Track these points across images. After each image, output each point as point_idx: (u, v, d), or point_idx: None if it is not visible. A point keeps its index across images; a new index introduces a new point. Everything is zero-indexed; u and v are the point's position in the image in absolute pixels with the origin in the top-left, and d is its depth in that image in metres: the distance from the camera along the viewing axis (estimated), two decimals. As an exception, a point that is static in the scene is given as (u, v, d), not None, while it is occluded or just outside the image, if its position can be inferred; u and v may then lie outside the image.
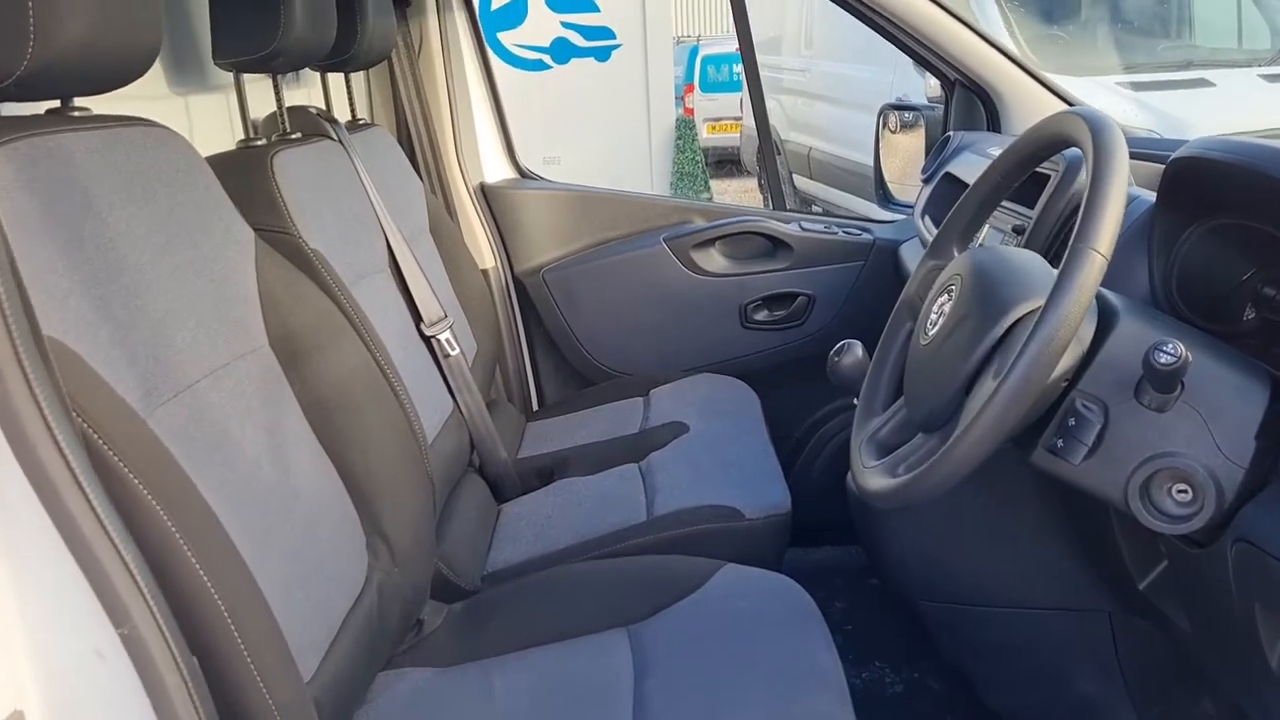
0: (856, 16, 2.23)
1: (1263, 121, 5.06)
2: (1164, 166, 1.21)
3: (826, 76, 7.39)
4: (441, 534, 1.64)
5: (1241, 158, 1.11)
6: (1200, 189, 1.18)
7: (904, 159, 2.68)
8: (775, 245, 2.36)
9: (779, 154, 8.54)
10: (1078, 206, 1.40)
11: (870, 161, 6.77)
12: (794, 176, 8.27)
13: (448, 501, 1.75)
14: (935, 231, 2.03)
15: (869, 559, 1.84)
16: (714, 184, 8.92)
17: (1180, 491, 0.97)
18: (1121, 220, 0.92)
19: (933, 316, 1.11)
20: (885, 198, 2.62)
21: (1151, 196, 1.27)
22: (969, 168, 2.02)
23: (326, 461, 1.27)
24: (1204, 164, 1.13)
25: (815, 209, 8.13)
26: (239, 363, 1.18)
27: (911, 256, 2.21)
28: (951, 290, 1.08)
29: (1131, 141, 1.54)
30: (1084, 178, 1.40)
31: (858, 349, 1.41)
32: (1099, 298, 1.03)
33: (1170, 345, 0.88)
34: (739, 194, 9.87)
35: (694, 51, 10.91)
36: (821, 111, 7.43)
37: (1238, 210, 1.16)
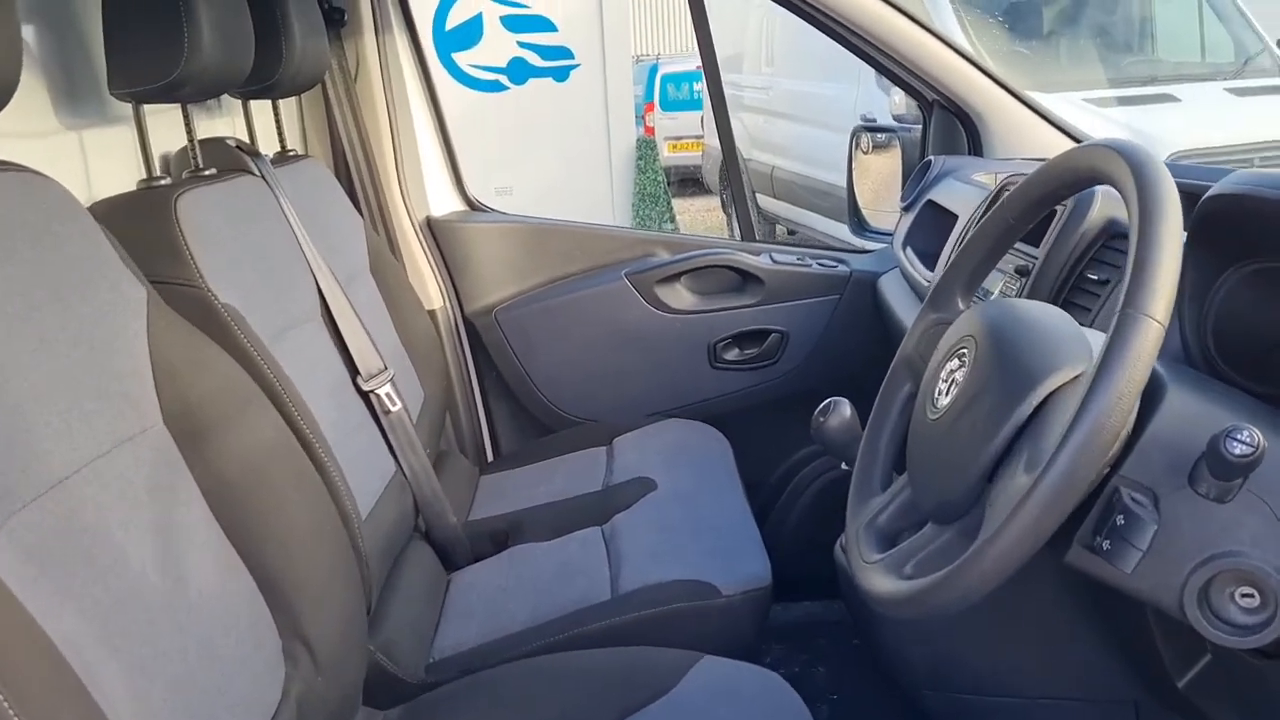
0: (832, 36, 2.08)
1: (1231, 136, 5.00)
2: (1195, 202, 1.06)
3: (789, 94, 7.29)
4: (381, 616, 1.45)
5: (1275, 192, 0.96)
6: (1238, 228, 1.02)
7: (878, 183, 2.54)
8: (745, 279, 2.20)
9: (743, 173, 8.46)
10: (1091, 244, 1.25)
11: (833, 180, 6.69)
12: (757, 195, 8.19)
13: (390, 575, 1.56)
14: (918, 264, 1.88)
15: (864, 645, 1.67)
16: (676, 203, 8.78)
17: (1246, 596, 0.81)
18: (1177, 280, 0.76)
19: (941, 385, 0.94)
20: (859, 225, 2.47)
21: None
22: (953, 195, 1.87)
23: (234, 559, 1.09)
24: (1244, 201, 0.98)
25: (779, 228, 8.04)
26: (124, 449, 0.99)
27: (892, 289, 2.06)
28: (964, 355, 0.92)
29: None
30: (1095, 214, 1.26)
31: (845, 409, 1.25)
32: None
33: (1245, 433, 0.72)
34: (702, 213, 9.76)
35: (653, 70, 10.82)
36: (784, 130, 7.33)
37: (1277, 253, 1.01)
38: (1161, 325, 0.74)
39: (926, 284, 1.73)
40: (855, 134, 2.50)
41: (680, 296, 2.20)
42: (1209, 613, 0.81)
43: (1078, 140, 2.07)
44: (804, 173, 6.80)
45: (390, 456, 1.68)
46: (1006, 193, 1.44)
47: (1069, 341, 0.87)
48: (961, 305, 1.08)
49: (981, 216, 1.48)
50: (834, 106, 6.80)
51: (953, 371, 0.93)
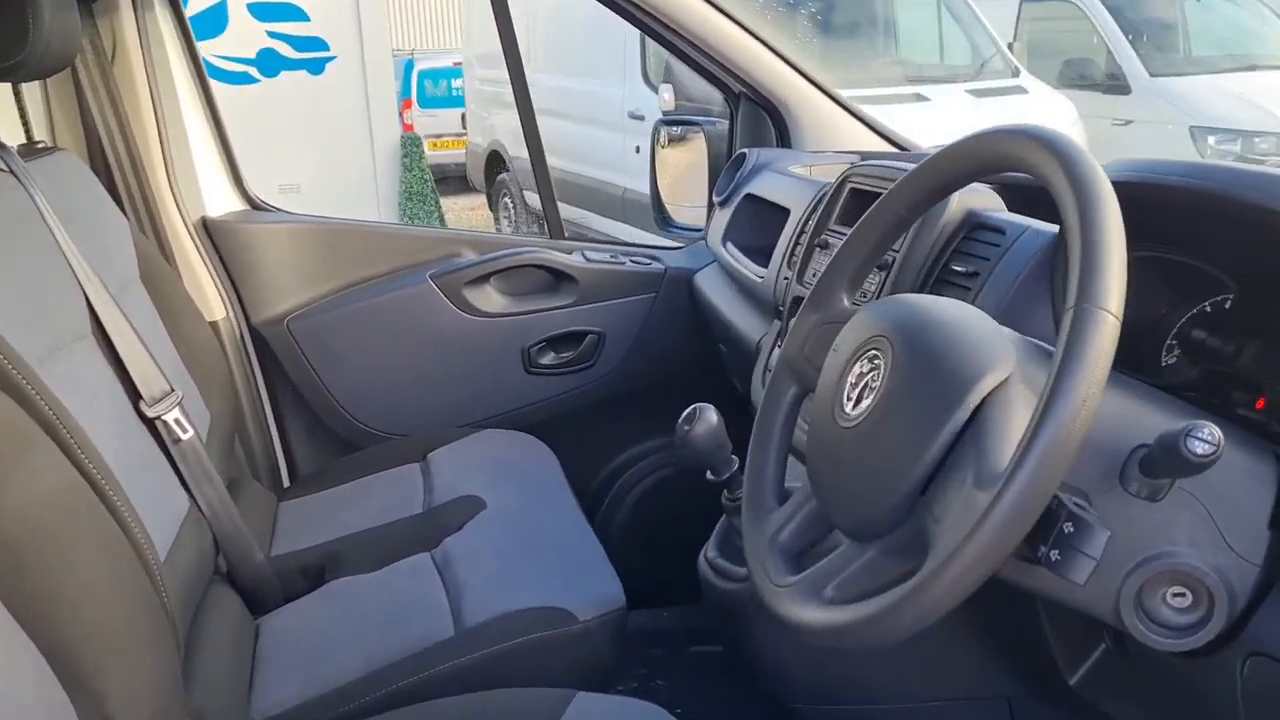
0: (638, 26, 2.02)
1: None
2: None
3: (553, 91, 7.22)
4: (189, 678, 1.25)
5: (1171, 179, 0.96)
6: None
7: (682, 177, 2.49)
8: (558, 279, 2.10)
9: (507, 170, 8.32)
10: (952, 237, 1.23)
11: (606, 177, 6.67)
12: (524, 193, 8.09)
13: (192, 628, 1.36)
14: (744, 259, 1.84)
15: (734, 658, 1.60)
16: (441, 201, 8.55)
17: (1177, 595, 0.79)
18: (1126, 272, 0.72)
19: (849, 391, 0.88)
20: (664, 220, 2.42)
21: (1046, 228, 1.10)
22: (776, 189, 1.84)
23: (16, 635, 0.89)
24: (1130, 189, 0.97)
25: (543, 225, 7.95)
26: None
27: (711, 285, 2.01)
28: (876, 358, 0.86)
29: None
30: (954, 206, 1.24)
31: (711, 415, 1.17)
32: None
33: (1207, 430, 0.69)
34: (466, 211, 9.57)
35: (409, 65, 10.49)
36: (550, 127, 7.23)
37: (1156, 242, 1.01)
38: (1118, 319, 0.70)
39: (757, 279, 1.69)
40: (657, 128, 2.44)
41: (490, 299, 2.07)
42: (1144, 617, 0.79)
43: (885, 135, 2.09)
44: (575, 170, 6.75)
45: (183, 491, 1.47)
46: (851, 184, 1.42)
47: (992, 340, 0.82)
48: (846, 303, 1.02)
49: (825, 210, 1.44)
50: (599, 103, 6.78)
51: (864, 376, 0.86)
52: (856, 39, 6.74)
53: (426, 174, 7.71)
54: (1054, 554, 0.74)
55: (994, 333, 0.83)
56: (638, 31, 7.15)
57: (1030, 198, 1.23)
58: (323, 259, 2.04)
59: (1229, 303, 0.99)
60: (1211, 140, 6.49)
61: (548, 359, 2.10)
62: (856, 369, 0.87)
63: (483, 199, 9.08)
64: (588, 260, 2.10)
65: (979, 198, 1.21)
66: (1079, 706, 1.08)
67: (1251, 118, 6.53)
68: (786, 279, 1.52)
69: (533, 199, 7.95)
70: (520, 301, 2.09)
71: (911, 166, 1.30)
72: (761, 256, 1.81)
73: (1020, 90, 6.10)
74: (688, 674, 1.97)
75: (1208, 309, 1.01)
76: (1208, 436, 0.68)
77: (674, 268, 2.14)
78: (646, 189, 6.75)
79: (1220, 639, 0.78)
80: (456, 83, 10.24)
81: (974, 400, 0.77)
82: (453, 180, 9.84)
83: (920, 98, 5.66)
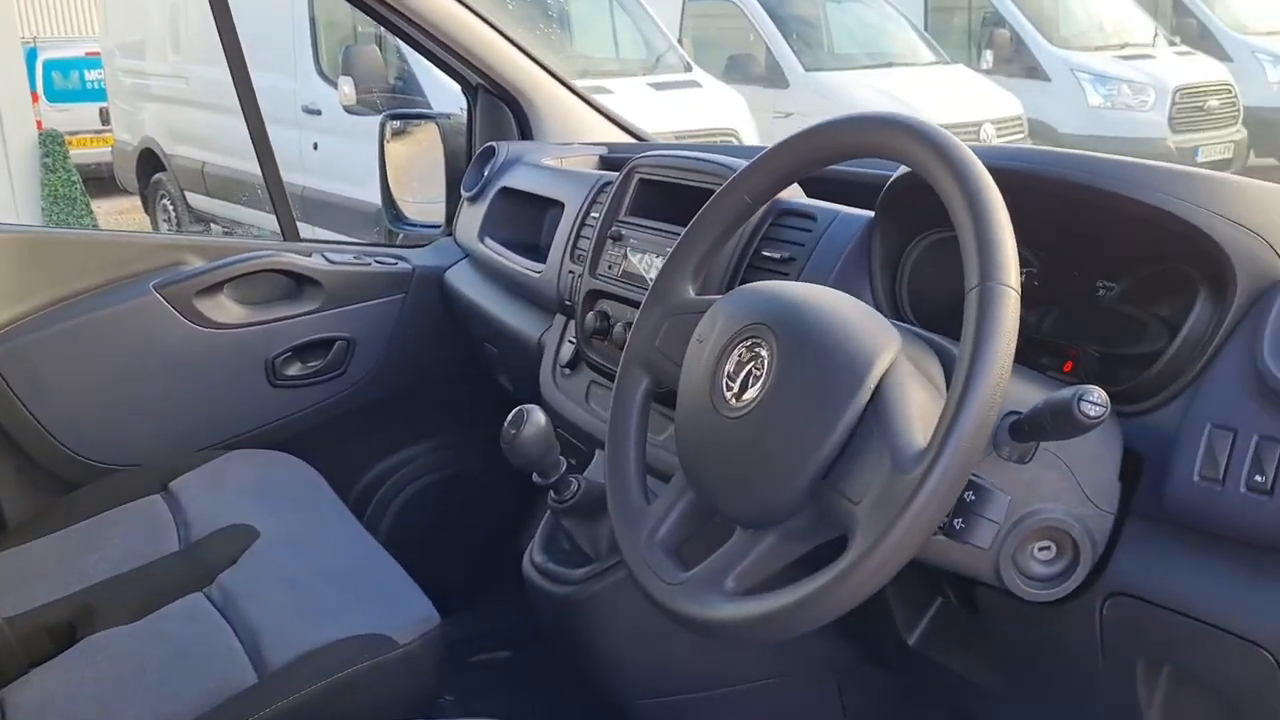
0: (368, 14, 1.92)
1: (658, 126, 5.53)
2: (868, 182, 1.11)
3: (212, 84, 6.74)
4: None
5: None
6: (920, 203, 1.08)
7: (415, 173, 2.40)
8: (300, 283, 1.95)
9: (164, 170, 7.74)
10: (760, 224, 1.26)
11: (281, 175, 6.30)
12: (186, 194, 7.56)
13: None
14: (513, 255, 1.79)
15: (560, 660, 1.55)
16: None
17: (1043, 549, 0.85)
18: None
19: (728, 381, 0.87)
20: (397, 218, 2.32)
21: (856, 213, 1.15)
22: (532, 180, 1.82)
23: None
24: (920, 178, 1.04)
25: (214, 228, 7.46)
26: None
27: (466, 283, 1.96)
28: (757, 346, 0.86)
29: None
30: (803, 204, 1.27)
31: (539, 416, 1.14)
32: (907, 333, 0.88)
33: (1096, 394, 0.74)
34: (116, 215, 8.78)
35: (32, 55, 9.41)
36: (213, 122, 6.77)
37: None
38: (1018, 293, 0.74)
39: (532, 275, 1.65)
40: (384, 122, 2.33)
41: (226, 309, 1.90)
42: (1018, 572, 0.84)
43: (624, 127, 2.11)
44: (241, 168, 6.36)
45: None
46: (639, 175, 1.42)
47: (872, 321, 0.85)
48: (692, 293, 1.01)
49: (613, 202, 1.43)
50: (269, 97, 6.41)
51: (744, 364, 0.86)
52: (533, 33, 6.80)
53: (73, 175, 6.99)
54: (958, 522, 0.77)
55: (872, 316, 0.86)
56: (307, 22, 6.79)
57: (820, 185, 1.28)
58: (22, 272, 1.78)
59: (1032, 277, 1.08)
60: (860, 131, 7.07)
61: (294, 370, 1.96)
62: (734, 358, 0.87)
63: (136, 201, 8.37)
64: (330, 262, 1.98)
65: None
66: (914, 666, 1.15)
67: (891, 109, 7.18)
68: (573, 273, 1.50)
69: (196, 200, 7.42)
70: (259, 310, 1.93)
71: (703, 155, 1.33)
72: (529, 251, 1.78)
73: (695, 84, 6.40)
74: (523, 684, 1.92)
75: None
76: (1098, 400, 0.74)
77: (422, 266, 2.06)
78: (327, 187, 6.48)
79: (1082, 585, 0.86)
80: (91, 74, 9.38)
81: (871, 382, 0.79)
82: (94, 183, 8.98)
83: (603, 90, 5.79)
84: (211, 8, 1.97)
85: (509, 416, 1.15)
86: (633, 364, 1.02)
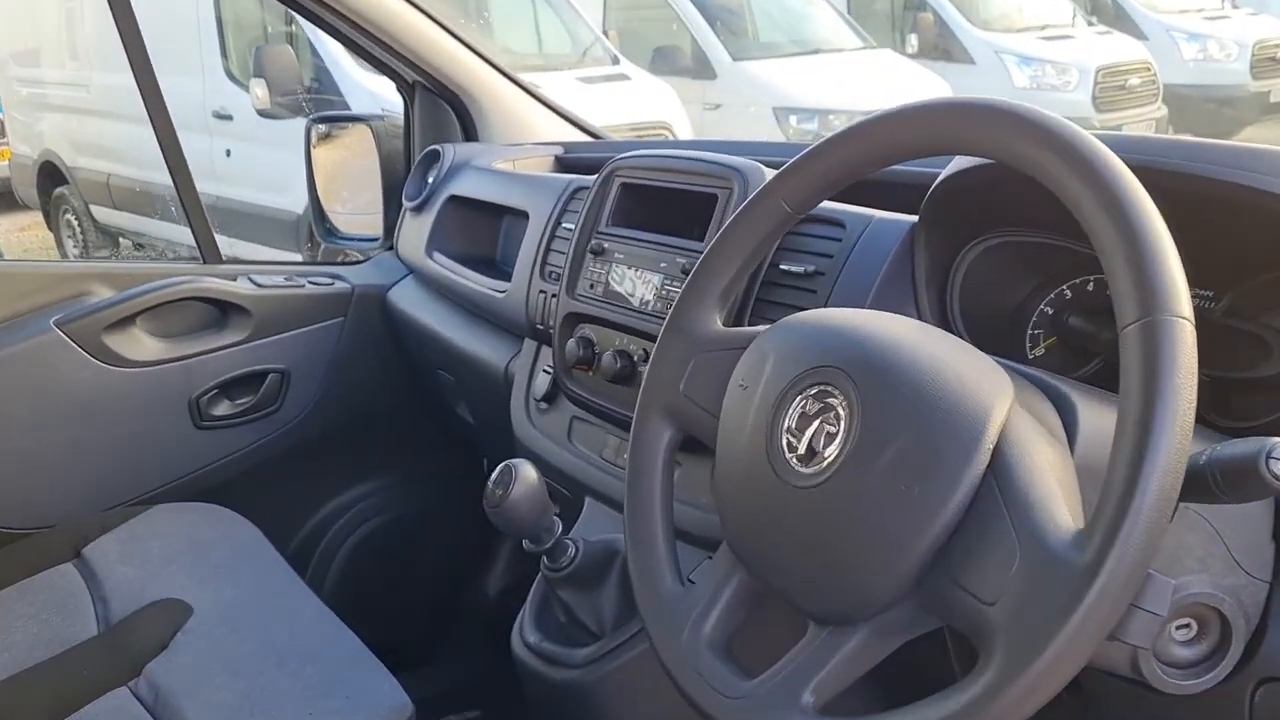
0: (295, 9, 1.71)
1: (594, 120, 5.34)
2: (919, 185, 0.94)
3: (113, 91, 6.40)
4: None
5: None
6: (971, 205, 0.92)
7: (346, 181, 2.19)
8: (224, 311, 1.73)
9: (66, 183, 7.40)
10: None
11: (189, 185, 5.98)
12: (92, 208, 7.22)
13: None
14: (468, 272, 1.59)
15: None
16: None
17: (1181, 628, 0.69)
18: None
19: (789, 439, 0.70)
20: (329, 232, 2.10)
21: (892, 217, 0.99)
22: (486, 187, 1.63)
23: None
24: (981, 174, 0.87)
25: (124, 242, 7.13)
26: None
27: (411, 303, 1.76)
28: (828, 395, 0.68)
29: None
30: (828, 207, 1.09)
31: (530, 472, 0.96)
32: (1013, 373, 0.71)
33: None
34: (16, 232, 8.31)
35: (-93, 58, 8.90)
36: (117, 132, 6.43)
37: (1011, 224, 0.92)
38: (1193, 325, 0.57)
39: (493, 295, 1.46)
40: (310, 126, 2.11)
41: (140, 344, 1.67)
42: (1157, 661, 0.68)
43: (578, 124, 1.93)
44: (149, 179, 6.05)
45: None
46: (620, 179, 1.24)
47: (974, 359, 0.68)
48: (718, 325, 0.84)
49: (591, 210, 1.24)
50: (177, 103, 6.11)
51: (811, 417, 0.69)
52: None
53: (-33, 192, 6.57)
54: None
55: (971, 352, 0.69)
56: (213, 22, 6.48)
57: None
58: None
59: (1091, 283, 0.92)
60: (793, 120, 6.99)
61: (222, 409, 1.74)
62: (795, 410, 0.70)
63: (37, 216, 7.95)
64: (257, 286, 1.76)
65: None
66: None
67: (821, 98, 7.09)
68: (545, 293, 1.31)
69: (103, 214, 7.07)
70: (179, 343, 1.70)
71: (695, 155, 1.16)
72: (484, 267, 1.59)
73: (624, 77, 6.21)
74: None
75: (1067, 293, 0.94)
76: None
77: (361, 285, 1.85)
78: (242, 195, 6.19)
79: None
80: (-18, 81, 8.91)
81: (990, 440, 0.62)
82: (-6, 197, 8.52)
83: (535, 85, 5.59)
84: (112, 10, 1.74)
85: (494, 474, 0.96)
86: (653, 412, 0.83)
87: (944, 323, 0.93)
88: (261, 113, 5.55)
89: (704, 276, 0.83)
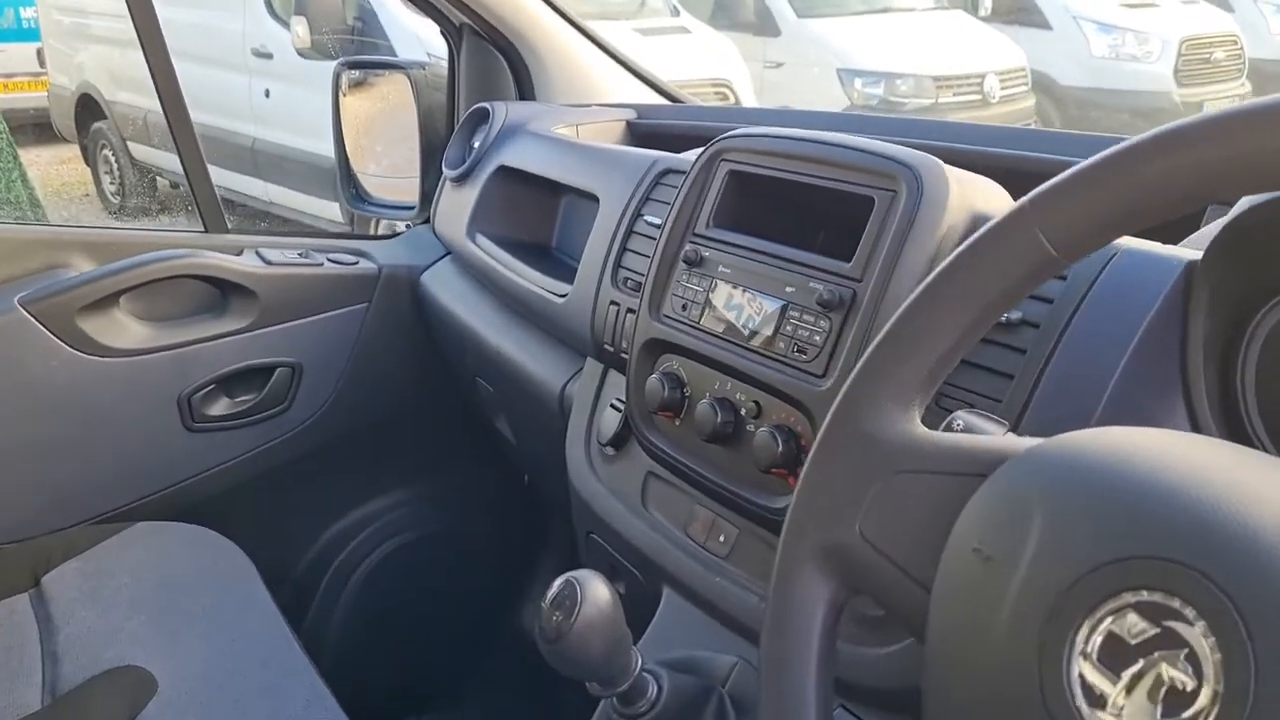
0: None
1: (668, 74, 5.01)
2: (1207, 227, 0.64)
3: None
4: None
5: None
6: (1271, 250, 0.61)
7: (379, 139, 1.89)
8: (226, 293, 1.45)
9: (105, 117, 7.23)
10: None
11: (226, 125, 5.83)
12: (130, 145, 7.05)
13: None
14: (516, 264, 1.30)
15: None
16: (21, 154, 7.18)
17: None
18: None
19: (1091, 682, 0.40)
20: (357, 197, 1.81)
21: (1153, 254, 0.67)
22: (538, 157, 1.33)
23: None
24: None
25: (160, 181, 6.94)
26: None
27: (449, 290, 1.47)
28: (1176, 619, 0.38)
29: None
30: (955, 204, 0.78)
31: (602, 592, 0.67)
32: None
33: None
34: (56, 165, 8.15)
35: (-54, -14, 8.75)
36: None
37: None
38: None
39: (552, 300, 1.16)
40: (339, 72, 1.81)
41: (123, 329, 1.40)
42: None
43: (654, 85, 1.62)
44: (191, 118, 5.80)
45: None
46: (727, 163, 0.93)
47: None
48: (918, 424, 0.53)
49: (686, 202, 0.93)
50: (216, 39, 5.89)
51: (1137, 649, 0.38)
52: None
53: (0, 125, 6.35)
54: None
55: None
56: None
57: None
58: None
59: None
60: (858, 83, 6.62)
61: (219, 408, 1.46)
62: (1098, 629, 0.40)
63: (75, 150, 7.78)
64: (267, 263, 1.48)
65: (983, 194, 0.77)
66: None
67: (890, 60, 6.73)
68: (619, 305, 1.01)
69: (141, 151, 6.88)
70: (171, 329, 1.42)
71: (842, 140, 0.85)
72: (538, 258, 1.29)
73: (684, 30, 5.87)
74: None
75: None
76: None
77: (390, 266, 1.56)
78: (280, 139, 5.95)
79: None
80: (27, 12, 8.71)
81: None
82: (33, 129, 8.35)
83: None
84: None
85: (550, 593, 0.67)
86: (807, 560, 0.53)
87: (1228, 418, 0.63)
88: (301, 52, 5.29)
89: (893, 346, 0.53)
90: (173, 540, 1.31)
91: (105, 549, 1.29)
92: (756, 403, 0.83)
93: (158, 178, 7.03)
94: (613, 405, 1.01)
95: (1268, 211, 0.59)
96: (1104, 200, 0.47)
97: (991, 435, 0.51)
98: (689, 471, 0.88)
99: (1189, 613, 0.38)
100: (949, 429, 0.55)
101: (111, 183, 7.29)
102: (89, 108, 7.46)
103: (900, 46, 6.77)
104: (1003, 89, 7.05)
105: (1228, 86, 8.26)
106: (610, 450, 1.00)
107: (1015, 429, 0.59)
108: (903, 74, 6.62)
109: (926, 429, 0.52)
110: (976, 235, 0.51)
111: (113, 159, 7.30)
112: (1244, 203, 0.61)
